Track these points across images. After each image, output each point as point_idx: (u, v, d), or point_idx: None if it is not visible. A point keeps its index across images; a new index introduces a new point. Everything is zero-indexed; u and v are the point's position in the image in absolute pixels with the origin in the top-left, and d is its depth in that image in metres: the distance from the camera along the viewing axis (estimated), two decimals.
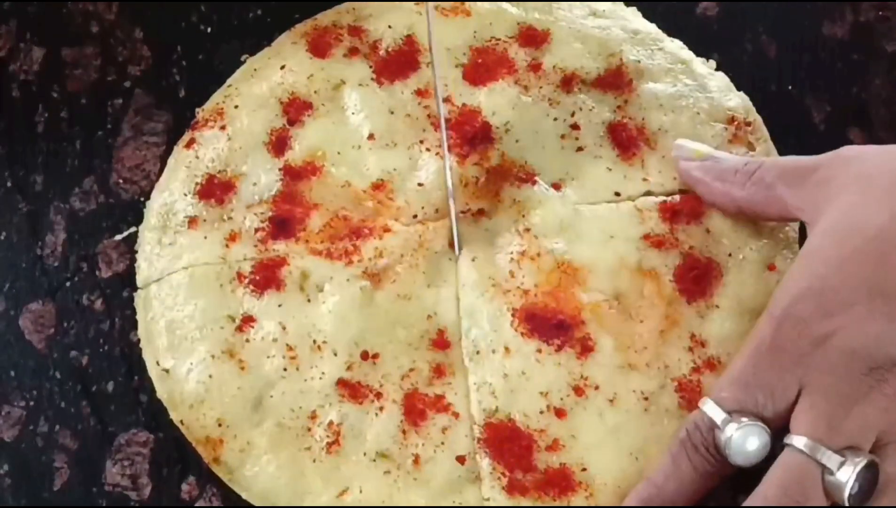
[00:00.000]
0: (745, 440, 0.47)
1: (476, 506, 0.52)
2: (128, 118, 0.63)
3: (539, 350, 0.54)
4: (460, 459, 0.52)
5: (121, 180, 0.62)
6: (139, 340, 0.57)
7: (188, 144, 0.60)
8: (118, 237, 0.60)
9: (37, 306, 0.59)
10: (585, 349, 0.54)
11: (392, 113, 0.60)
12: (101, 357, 0.58)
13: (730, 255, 0.56)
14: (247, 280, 0.56)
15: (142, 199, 0.61)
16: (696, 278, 0.55)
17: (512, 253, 0.56)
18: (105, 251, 0.60)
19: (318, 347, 0.55)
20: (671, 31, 0.63)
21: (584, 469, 0.52)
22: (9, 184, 0.62)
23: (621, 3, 0.64)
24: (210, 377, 0.54)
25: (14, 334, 0.59)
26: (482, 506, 0.52)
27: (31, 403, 0.57)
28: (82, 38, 0.66)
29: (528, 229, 0.57)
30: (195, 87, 0.63)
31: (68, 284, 0.60)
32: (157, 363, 0.55)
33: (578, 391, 0.53)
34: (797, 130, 0.62)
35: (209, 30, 0.66)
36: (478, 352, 0.54)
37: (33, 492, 0.56)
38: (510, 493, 0.52)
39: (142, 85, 0.64)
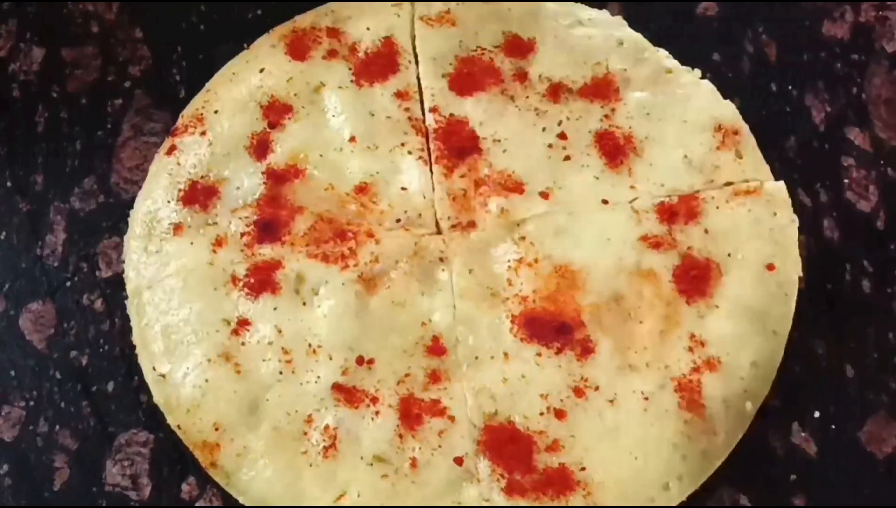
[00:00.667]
0: None
1: (475, 507, 0.52)
2: (128, 118, 0.63)
3: (539, 354, 0.54)
4: (458, 461, 0.52)
5: (121, 180, 0.62)
6: None
7: (169, 151, 0.60)
8: None
9: (37, 306, 0.59)
10: (585, 350, 0.54)
11: (372, 115, 0.60)
12: (101, 357, 0.58)
13: (729, 255, 0.56)
14: (241, 283, 0.56)
15: None
16: (696, 279, 0.55)
17: (509, 261, 0.56)
18: (105, 251, 0.60)
19: (314, 351, 0.55)
20: (670, 32, 0.63)
21: (582, 469, 0.52)
22: (9, 184, 0.62)
23: (606, 12, 0.63)
24: (206, 381, 0.54)
25: (14, 334, 0.59)
26: (481, 507, 0.52)
27: (31, 403, 0.57)
28: (82, 38, 0.66)
29: (523, 237, 0.57)
30: (195, 87, 0.62)
31: (68, 284, 0.60)
32: (154, 369, 0.55)
33: (578, 392, 0.53)
34: (797, 130, 0.62)
35: (209, 30, 0.65)
36: (476, 358, 0.54)
37: (33, 492, 0.56)
38: (509, 494, 0.52)
39: (142, 85, 0.64)
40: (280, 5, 0.64)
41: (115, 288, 0.59)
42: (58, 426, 0.57)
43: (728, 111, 0.60)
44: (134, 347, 0.57)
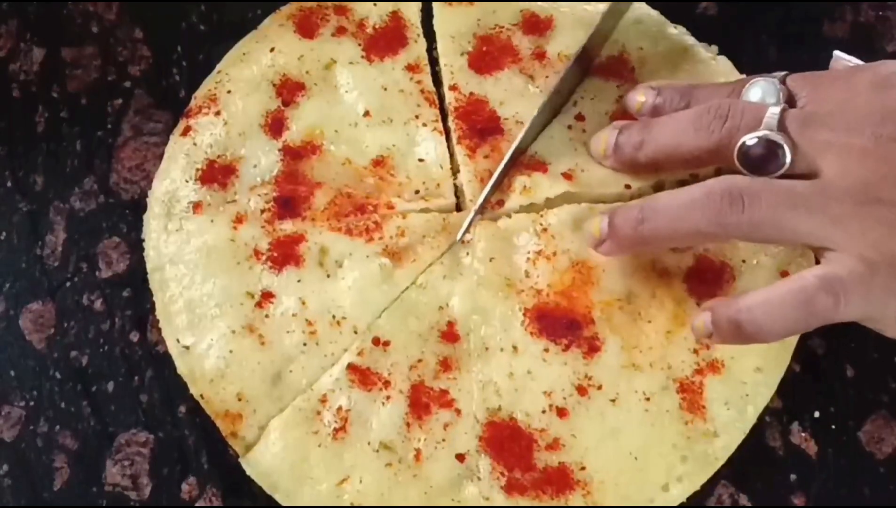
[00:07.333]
0: None
1: (474, 506, 0.52)
2: (128, 118, 0.63)
3: (546, 350, 0.54)
4: (459, 457, 0.52)
5: (121, 180, 0.62)
6: (140, 339, 0.57)
7: (184, 132, 0.60)
8: None
9: (37, 306, 0.59)
10: (592, 348, 0.54)
11: (385, 89, 0.60)
12: (101, 357, 0.58)
13: (744, 261, 0.56)
14: (264, 257, 0.56)
15: (142, 199, 0.61)
16: (708, 281, 0.55)
17: (529, 252, 0.56)
18: (105, 251, 0.60)
19: (338, 322, 0.55)
20: None
21: (582, 468, 0.52)
22: (9, 184, 0.62)
23: None
24: (230, 352, 0.54)
25: (14, 334, 0.59)
26: (480, 506, 0.52)
27: (31, 403, 0.57)
28: (82, 38, 0.65)
29: (545, 229, 0.57)
30: (195, 87, 0.62)
31: (68, 284, 0.60)
32: (178, 341, 0.55)
33: (581, 390, 0.53)
34: None
35: (209, 30, 0.65)
36: (486, 349, 0.54)
37: (33, 492, 0.55)
38: (509, 493, 0.52)
39: (142, 85, 0.64)
40: (280, 5, 0.64)
41: (115, 288, 0.59)
42: (58, 426, 0.57)
43: None
44: (134, 346, 0.57)
